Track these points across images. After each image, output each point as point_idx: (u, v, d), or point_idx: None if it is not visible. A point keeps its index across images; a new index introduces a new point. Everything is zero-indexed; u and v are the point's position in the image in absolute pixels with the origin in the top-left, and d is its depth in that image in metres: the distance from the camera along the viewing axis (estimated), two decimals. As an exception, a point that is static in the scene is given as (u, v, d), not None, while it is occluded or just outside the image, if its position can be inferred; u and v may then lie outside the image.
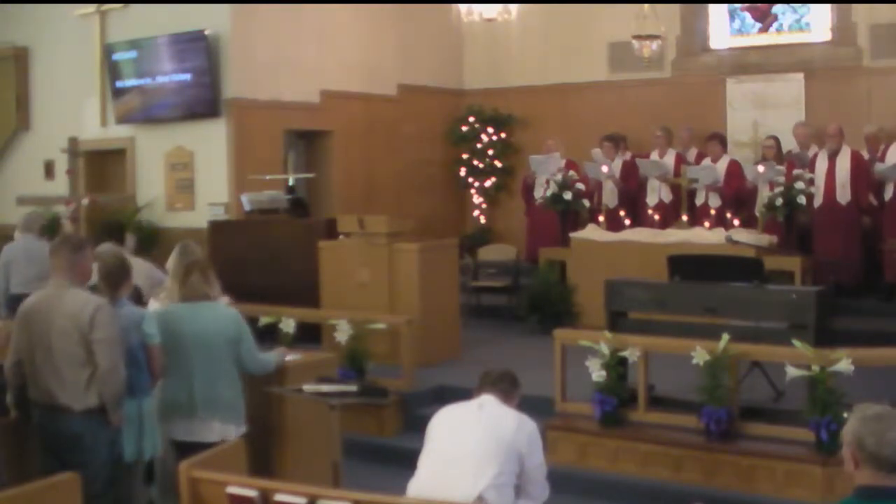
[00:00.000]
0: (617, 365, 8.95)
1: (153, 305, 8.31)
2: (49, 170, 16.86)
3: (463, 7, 15.93)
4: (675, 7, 16.39)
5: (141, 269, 8.92)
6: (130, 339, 6.97)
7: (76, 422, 6.62)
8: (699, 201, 14.08)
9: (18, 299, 11.62)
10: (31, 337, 6.77)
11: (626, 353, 8.92)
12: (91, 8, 15.97)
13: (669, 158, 14.71)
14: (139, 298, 8.26)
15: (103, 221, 12.32)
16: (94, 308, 6.64)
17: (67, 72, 16.56)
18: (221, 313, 7.63)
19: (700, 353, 8.49)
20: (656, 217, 14.16)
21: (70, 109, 16.44)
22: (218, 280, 7.85)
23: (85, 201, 15.52)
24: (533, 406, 6.94)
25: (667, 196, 14.52)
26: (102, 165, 16.42)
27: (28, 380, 6.84)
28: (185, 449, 7.02)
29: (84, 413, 6.61)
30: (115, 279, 7.20)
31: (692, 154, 15.17)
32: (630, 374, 9.15)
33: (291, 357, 8.61)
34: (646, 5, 15.26)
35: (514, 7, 15.86)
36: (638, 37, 15.38)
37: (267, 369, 7.80)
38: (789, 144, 14.58)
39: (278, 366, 7.99)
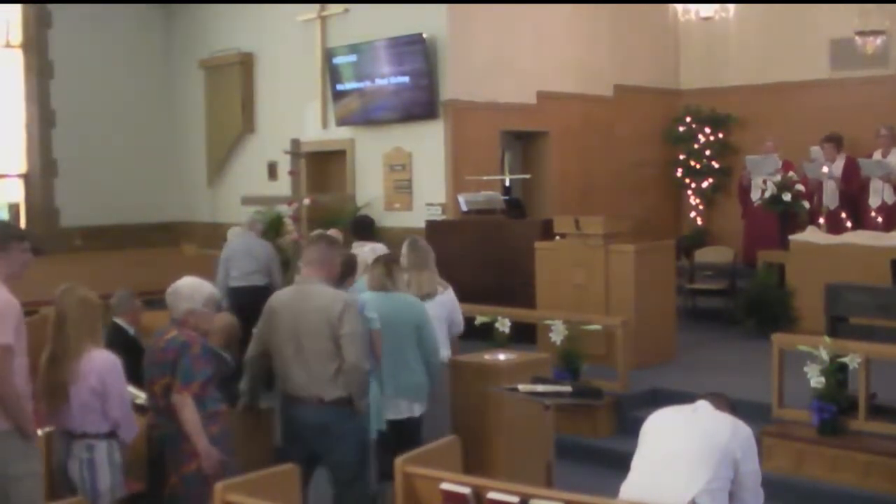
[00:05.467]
0: (837, 371, 8.72)
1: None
2: (272, 171, 17.42)
3: (679, 6, 15.79)
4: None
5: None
6: None
7: (323, 412, 6.88)
8: (925, 203, 13.67)
9: (236, 292, 12.22)
10: (281, 331, 7.02)
11: (846, 360, 8.67)
12: (312, 14, 16.42)
13: (893, 158, 14.27)
14: None
15: (355, 218, 12.78)
16: (343, 304, 6.89)
17: (290, 76, 17.09)
18: (406, 302, 7.95)
19: (925, 361, 8.25)
20: (879, 219, 13.80)
21: (292, 112, 16.96)
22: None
23: (306, 201, 15.92)
24: (749, 411, 6.85)
25: (890, 197, 14.10)
26: (323, 166, 16.84)
27: (277, 372, 7.12)
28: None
29: (331, 403, 6.87)
30: (344, 272, 7.59)
31: (919, 154, 14.68)
32: (851, 381, 8.91)
33: (506, 357, 8.73)
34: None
35: (731, 5, 15.65)
36: (861, 32, 14.97)
37: (437, 359, 8.03)
38: None
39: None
